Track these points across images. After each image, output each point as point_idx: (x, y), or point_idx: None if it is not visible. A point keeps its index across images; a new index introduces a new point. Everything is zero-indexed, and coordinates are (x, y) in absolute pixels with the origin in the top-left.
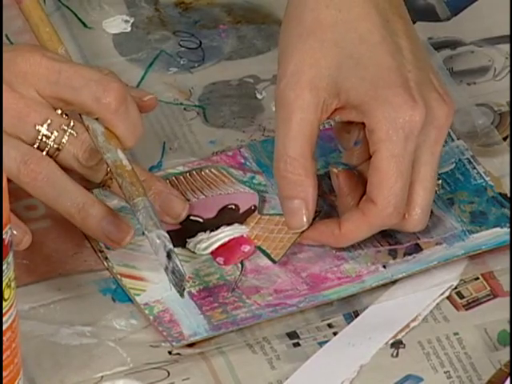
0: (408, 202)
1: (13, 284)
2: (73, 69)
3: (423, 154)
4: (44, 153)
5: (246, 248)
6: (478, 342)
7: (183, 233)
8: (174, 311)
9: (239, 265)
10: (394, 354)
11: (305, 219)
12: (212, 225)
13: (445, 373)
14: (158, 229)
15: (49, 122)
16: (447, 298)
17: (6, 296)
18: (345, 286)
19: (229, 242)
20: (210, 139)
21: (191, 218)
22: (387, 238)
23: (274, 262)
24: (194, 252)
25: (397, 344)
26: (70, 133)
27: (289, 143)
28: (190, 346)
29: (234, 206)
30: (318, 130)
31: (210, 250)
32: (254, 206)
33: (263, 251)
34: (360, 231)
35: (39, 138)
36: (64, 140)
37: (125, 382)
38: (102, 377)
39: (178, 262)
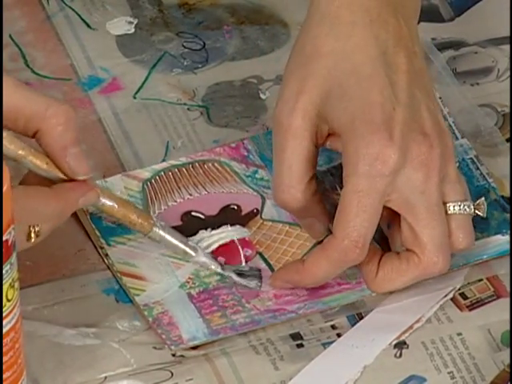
0: (416, 244)
1: (16, 284)
2: None
3: (411, 194)
4: None
5: (248, 252)
6: (482, 343)
7: (184, 230)
8: (173, 313)
9: None
10: (398, 355)
11: (322, 229)
12: (213, 223)
13: (448, 373)
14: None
15: None
16: (450, 298)
17: (9, 296)
18: (345, 294)
19: (230, 242)
20: (214, 139)
21: (193, 213)
22: (389, 246)
23: None
24: None
25: (400, 345)
26: None
27: (284, 172)
28: (194, 347)
29: (236, 207)
30: (316, 154)
31: (211, 248)
32: (257, 210)
33: (265, 260)
34: (320, 265)
35: None
36: None
37: (128, 382)
38: (106, 377)
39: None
